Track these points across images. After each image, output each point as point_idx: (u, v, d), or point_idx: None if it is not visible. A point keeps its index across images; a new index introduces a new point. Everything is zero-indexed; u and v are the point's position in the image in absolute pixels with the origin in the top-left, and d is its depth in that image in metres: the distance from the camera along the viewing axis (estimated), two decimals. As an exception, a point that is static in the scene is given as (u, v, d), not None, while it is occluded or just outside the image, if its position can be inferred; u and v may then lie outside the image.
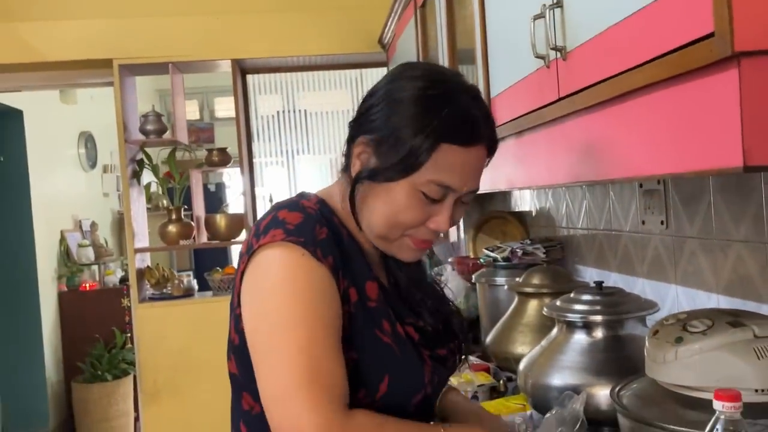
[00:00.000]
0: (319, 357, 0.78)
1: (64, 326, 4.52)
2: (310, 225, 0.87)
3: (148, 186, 3.49)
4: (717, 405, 0.75)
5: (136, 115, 3.38)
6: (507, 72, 1.42)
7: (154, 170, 3.38)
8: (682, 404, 0.99)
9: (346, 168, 0.96)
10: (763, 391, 0.92)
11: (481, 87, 1.55)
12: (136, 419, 3.82)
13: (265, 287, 0.84)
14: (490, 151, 0.95)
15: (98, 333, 4.41)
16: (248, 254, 0.88)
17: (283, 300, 0.81)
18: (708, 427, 0.76)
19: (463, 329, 1.07)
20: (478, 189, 0.94)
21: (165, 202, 3.53)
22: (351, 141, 0.95)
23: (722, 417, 0.75)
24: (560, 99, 1.05)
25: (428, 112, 0.88)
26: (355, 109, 0.97)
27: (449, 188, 0.90)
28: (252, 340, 0.84)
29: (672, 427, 0.93)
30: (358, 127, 0.95)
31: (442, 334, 1.01)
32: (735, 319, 0.98)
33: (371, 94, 0.95)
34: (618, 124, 0.89)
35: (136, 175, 3.31)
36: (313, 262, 0.84)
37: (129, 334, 3.69)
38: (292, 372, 0.76)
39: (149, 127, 3.24)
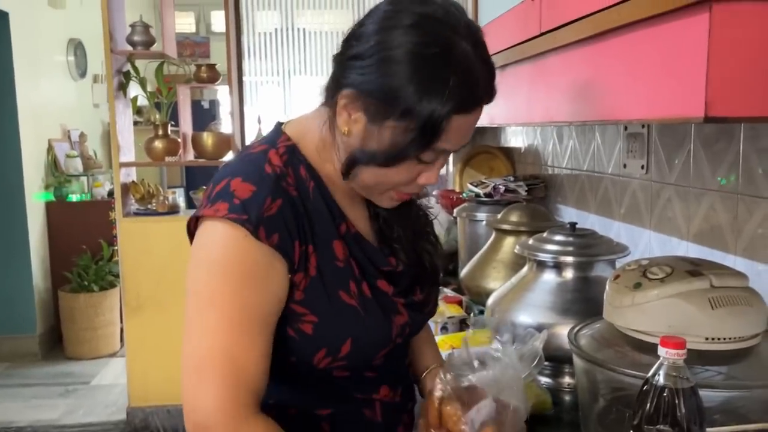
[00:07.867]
0: (229, 339, 0.79)
1: (51, 236, 4.53)
2: (260, 199, 0.83)
3: (135, 99, 3.41)
4: (661, 351, 0.76)
5: (123, 24, 3.27)
6: (496, 1, 1.37)
7: (142, 83, 3.31)
8: (635, 348, 1.01)
9: (326, 102, 0.89)
10: (713, 339, 0.94)
11: (470, 15, 1.50)
12: (122, 330, 3.90)
13: (200, 259, 0.84)
14: (489, 102, 0.87)
15: (85, 244, 4.42)
16: (197, 216, 0.87)
17: (210, 277, 0.81)
18: (651, 372, 0.77)
19: (436, 269, 1.04)
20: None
21: (157, 116, 3.47)
22: (336, 81, 0.85)
23: (665, 363, 0.76)
24: (542, 34, 1.02)
25: (433, 81, 0.78)
26: None
27: (446, 152, 0.86)
28: (185, 300, 0.85)
29: (621, 369, 0.95)
30: (343, 70, 0.84)
31: (417, 276, 0.99)
32: (695, 268, 0.98)
33: (359, 36, 0.83)
34: (594, 64, 0.86)
35: (123, 87, 3.23)
36: (251, 243, 0.81)
37: (116, 248, 3.71)
38: (199, 349, 0.79)
39: (136, 38, 3.15)
